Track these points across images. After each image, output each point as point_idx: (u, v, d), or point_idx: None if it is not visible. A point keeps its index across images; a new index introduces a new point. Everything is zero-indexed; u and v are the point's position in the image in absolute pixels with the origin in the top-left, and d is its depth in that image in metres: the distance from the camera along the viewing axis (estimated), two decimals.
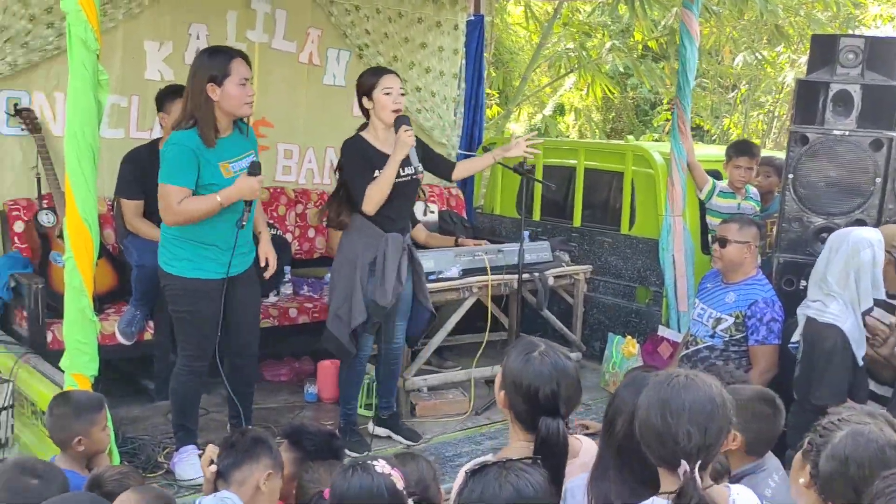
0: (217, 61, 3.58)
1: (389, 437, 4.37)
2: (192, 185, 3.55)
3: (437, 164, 4.37)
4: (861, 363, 3.82)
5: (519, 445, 2.29)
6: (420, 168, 4.15)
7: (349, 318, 4.03)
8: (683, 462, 1.85)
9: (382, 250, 4.02)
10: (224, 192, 3.57)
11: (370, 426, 4.43)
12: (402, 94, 4.07)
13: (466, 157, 6.67)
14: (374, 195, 3.96)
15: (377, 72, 4.11)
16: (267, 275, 3.95)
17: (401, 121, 4.00)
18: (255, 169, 3.64)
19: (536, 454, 2.16)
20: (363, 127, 4.14)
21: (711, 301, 4.47)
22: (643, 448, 1.96)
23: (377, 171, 3.98)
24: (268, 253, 3.95)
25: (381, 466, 2.15)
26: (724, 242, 4.39)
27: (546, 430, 2.19)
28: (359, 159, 4.03)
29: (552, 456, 2.17)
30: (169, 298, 3.79)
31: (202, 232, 3.63)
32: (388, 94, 4.00)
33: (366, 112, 4.10)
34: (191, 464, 3.74)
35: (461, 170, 4.46)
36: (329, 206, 4.20)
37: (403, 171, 4.03)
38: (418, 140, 4.13)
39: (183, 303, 3.73)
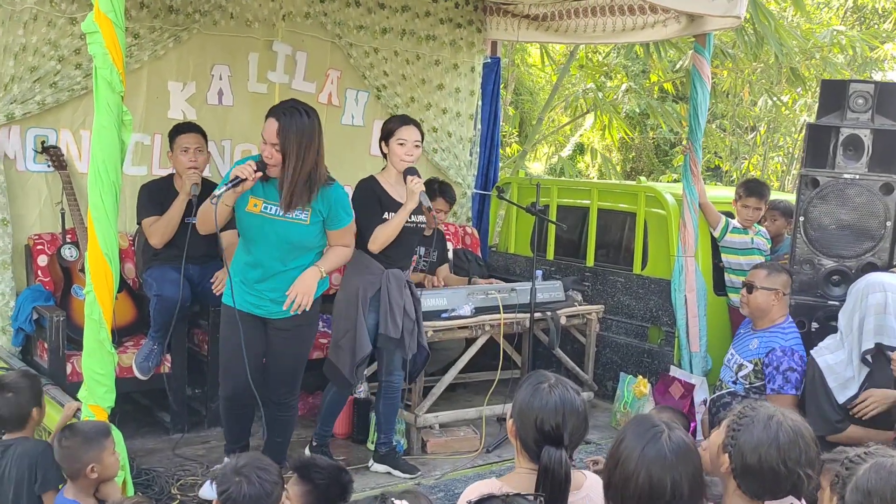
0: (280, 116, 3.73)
1: (389, 474, 4.40)
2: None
3: None
4: (840, 400, 3.88)
5: (522, 471, 2.35)
6: (430, 206, 4.30)
7: (353, 350, 4.15)
8: None
9: (385, 285, 4.18)
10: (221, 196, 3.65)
11: (370, 463, 4.46)
12: (417, 147, 4.24)
13: (482, 196, 6.78)
14: (381, 237, 4.15)
15: (399, 121, 4.29)
16: (290, 308, 3.82)
17: (409, 171, 4.21)
18: (260, 167, 3.69)
19: (538, 483, 2.21)
20: (384, 168, 4.35)
21: (738, 347, 4.46)
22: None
23: (387, 214, 4.18)
24: (297, 288, 3.79)
25: None
26: (751, 288, 4.35)
27: (548, 459, 2.23)
28: (371, 198, 4.21)
29: (553, 486, 2.22)
30: None
31: (237, 257, 3.86)
32: (401, 144, 4.21)
33: (384, 155, 4.31)
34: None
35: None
36: None
37: (411, 219, 4.23)
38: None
39: (221, 324, 4.01)
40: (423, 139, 4.33)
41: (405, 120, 4.31)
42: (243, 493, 2.53)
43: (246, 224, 3.80)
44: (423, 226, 4.40)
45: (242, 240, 3.89)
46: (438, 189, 5.53)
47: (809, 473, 2.16)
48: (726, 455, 2.26)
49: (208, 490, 3.86)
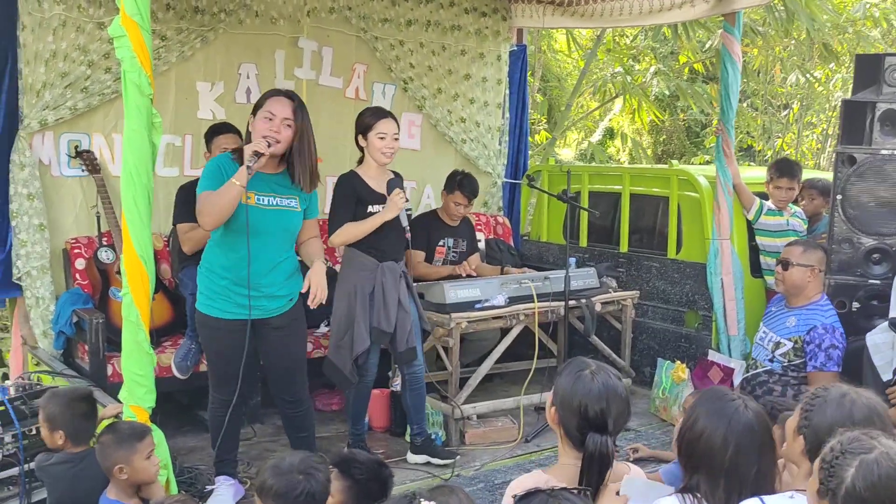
0: (263, 96, 3.71)
1: (428, 463, 4.41)
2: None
3: None
4: (884, 377, 3.80)
5: (567, 463, 2.34)
6: (407, 228, 4.25)
7: (351, 347, 4.16)
8: None
9: (380, 280, 4.17)
10: (237, 175, 3.52)
11: (408, 456, 4.47)
12: (396, 139, 4.22)
13: (512, 185, 6.75)
14: (345, 235, 4.16)
15: (376, 114, 4.24)
16: (312, 304, 3.81)
17: (393, 184, 4.19)
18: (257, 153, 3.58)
19: (582, 470, 2.21)
20: (360, 161, 4.32)
21: (773, 325, 4.42)
22: None
23: (371, 207, 4.17)
24: (315, 281, 3.75)
25: None
26: (786, 265, 4.33)
27: (593, 446, 2.23)
28: (348, 194, 4.19)
29: (598, 473, 2.22)
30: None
31: (217, 257, 3.71)
32: (381, 138, 4.18)
33: (361, 149, 4.26)
34: (219, 499, 3.83)
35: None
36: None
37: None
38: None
39: (200, 335, 3.94)
40: (399, 131, 4.29)
41: (382, 113, 4.25)
42: (310, 491, 2.54)
43: (244, 218, 3.59)
44: (408, 236, 4.28)
45: (230, 237, 3.68)
46: (458, 182, 5.41)
47: None
48: (801, 437, 2.23)
49: (225, 498, 3.83)
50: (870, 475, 1.79)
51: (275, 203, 3.72)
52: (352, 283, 4.20)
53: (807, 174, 5.51)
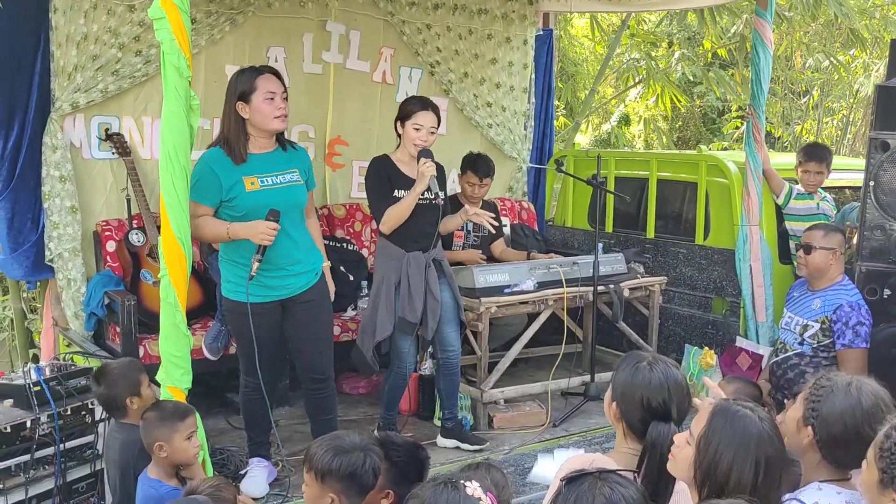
0: (244, 79, 3.67)
1: (458, 448, 4.43)
2: (210, 203, 3.63)
3: None
4: None
5: (625, 451, 2.35)
6: (441, 195, 4.25)
7: (373, 334, 4.21)
8: None
9: (405, 270, 4.19)
10: (233, 227, 3.59)
11: (438, 440, 4.49)
12: (433, 133, 4.20)
13: (537, 170, 6.73)
14: (390, 219, 4.16)
15: (419, 104, 4.22)
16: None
17: (423, 154, 4.16)
18: (272, 216, 3.59)
19: (641, 459, 2.22)
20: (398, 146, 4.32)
21: (798, 309, 4.47)
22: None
23: (398, 192, 4.17)
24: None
25: (473, 489, 2.15)
26: (808, 249, 4.38)
27: (657, 433, 2.24)
28: (383, 178, 4.21)
29: (660, 462, 2.21)
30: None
31: (236, 251, 3.71)
32: (417, 129, 4.17)
33: (399, 135, 4.27)
34: (253, 480, 3.86)
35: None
36: None
37: (423, 196, 4.17)
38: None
39: (230, 321, 3.95)
40: (439, 125, 4.27)
41: (425, 104, 4.23)
42: (374, 466, 2.62)
43: (255, 204, 3.64)
44: (437, 201, 4.24)
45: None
46: (470, 162, 5.36)
47: None
48: (808, 427, 2.24)
49: (259, 480, 3.86)
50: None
51: (279, 181, 3.74)
52: (381, 274, 4.26)
53: (836, 160, 5.47)
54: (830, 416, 2.18)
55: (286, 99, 3.75)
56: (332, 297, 4.04)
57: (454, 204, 5.37)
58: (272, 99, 3.66)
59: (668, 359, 2.40)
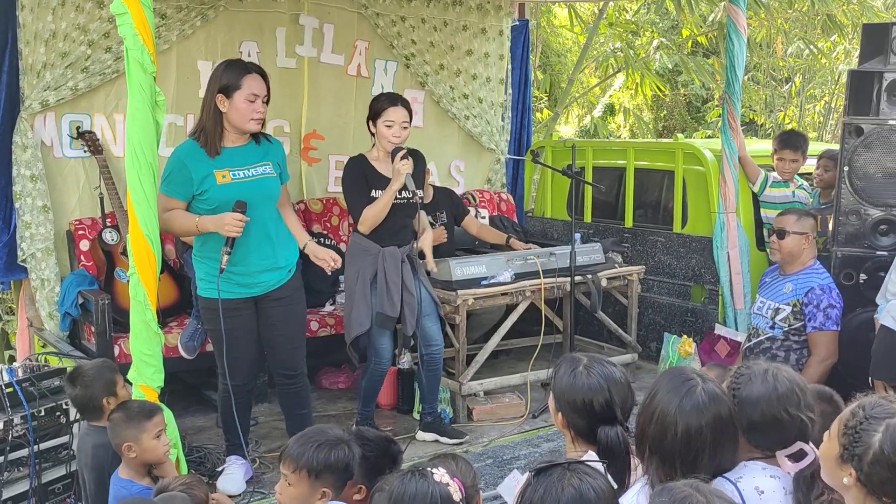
0: (230, 73, 3.63)
1: (437, 441, 4.42)
2: (181, 197, 3.60)
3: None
4: None
5: (575, 455, 2.30)
6: (419, 192, 4.23)
7: (350, 329, 4.21)
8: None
9: (381, 265, 4.18)
10: (203, 219, 3.56)
11: (417, 433, 4.48)
12: (405, 128, 4.18)
13: (516, 161, 6.71)
14: (368, 219, 4.15)
15: (387, 100, 4.20)
16: (329, 270, 3.91)
17: (397, 151, 4.13)
18: (239, 207, 3.55)
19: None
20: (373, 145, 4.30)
21: (770, 293, 4.51)
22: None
23: (375, 192, 4.15)
24: (322, 254, 3.88)
25: (440, 475, 2.16)
26: (782, 234, 4.42)
27: (606, 438, 2.23)
28: (359, 178, 4.19)
29: (617, 463, 2.21)
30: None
31: (208, 248, 3.67)
32: (388, 126, 4.15)
33: (372, 134, 4.25)
34: (230, 477, 3.85)
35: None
36: None
37: (400, 195, 4.16)
38: (421, 164, 4.30)
39: (206, 320, 3.90)
40: (411, 119, 4.25)
41: (393, 99, 4.20)
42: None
43: (226, 197, 3.59)
44: (415, 200, 4.21)
45: None
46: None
47: (811, 417, 2.22)
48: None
49: (237, 477, 3.84)
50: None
51: (251, 174, 3.70)
52: (355, 269, 4.24)
53: (821, 146, 5.47)
54: (748, 401, 2.24)
55: (267, 103, 3.71)
56: (339, 261, 3.90)
57: (457, 210, 5.36)
58: (253, 101, 3.63)
59: (603, 357, 2.40)
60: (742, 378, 2.28)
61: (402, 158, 4.10)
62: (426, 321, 4.35)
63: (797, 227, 4.38)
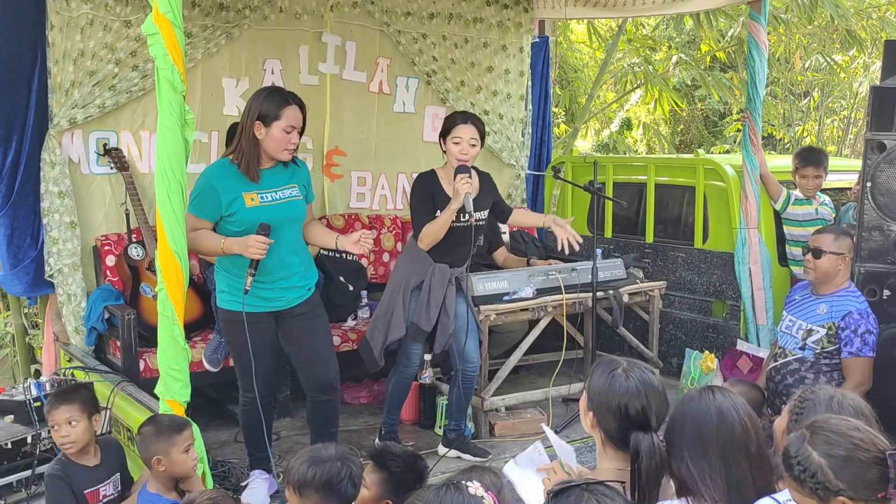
0: (270, 103, 3.66)
1: (459, 458, 4.43)
2: (209, 218, 3.64)
3: (497, 211, 4.63)
4: None
5: (609, 467, 2.31)
6: (478, 215, 4.26)
7: (386, 332, 4.23)
8: None
9: (429, 278, 4.21)
10: (228, 241, 3.60)
11: (439, 449, 4.49)
12: (474, 145, 4.20)
13: (535, 177, 6.74)
14: (427, 237, 4.21)
15: (458, 118, 4.26)
16: (364, 251, 3.85)
17: (459, 170, 4.15)
18: (262, 230, 3.58)
19: (632, 471, 2.19)
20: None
21: (801, 313, 4.36)
22: None
23: (437, 213, 4.19)
24: (354, 237, 3.80)
25: (475, 488, 2.16)
26: (818, 253, 4.27)
27: (639, 444, 2.20)
28: (425, 196, 4.24)
29: (649, 472, 2.19)
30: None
31: (231, 261, 3.70)
32: (456, 143, 4.19)
33: (444, 152, 4.30)
34: (255, 491, 3.86)
35: (515, 218, 4.75)
36: None
37: (461, 218, 4.20)
38: (488, 185, 4.33)
39: (225, 332, 3.94)
40: (483, 137, 4.27)
41: (465, 117, 4.26)
42: (351, 475, 2.61)
43: (255, 220, 3.63)
44: (472, 222, 4.25)
45: None
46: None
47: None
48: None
49: (260, 492, 3.86)
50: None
51: (279, 197, 3.74)
52: (402, 275, 4.28)
53: (833, 161, 5.46)
54: None
55: (301, 134, 3.75)
56: (370, 240, 3.83)
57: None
58: (290, 133, 3.67)
59: (643, 363, 2.38)
60: (806, 403, 2.27)
61: (463, 179, 4.08)
62: (468, 341, 4.35)
63: (834, 247, 4.23)
